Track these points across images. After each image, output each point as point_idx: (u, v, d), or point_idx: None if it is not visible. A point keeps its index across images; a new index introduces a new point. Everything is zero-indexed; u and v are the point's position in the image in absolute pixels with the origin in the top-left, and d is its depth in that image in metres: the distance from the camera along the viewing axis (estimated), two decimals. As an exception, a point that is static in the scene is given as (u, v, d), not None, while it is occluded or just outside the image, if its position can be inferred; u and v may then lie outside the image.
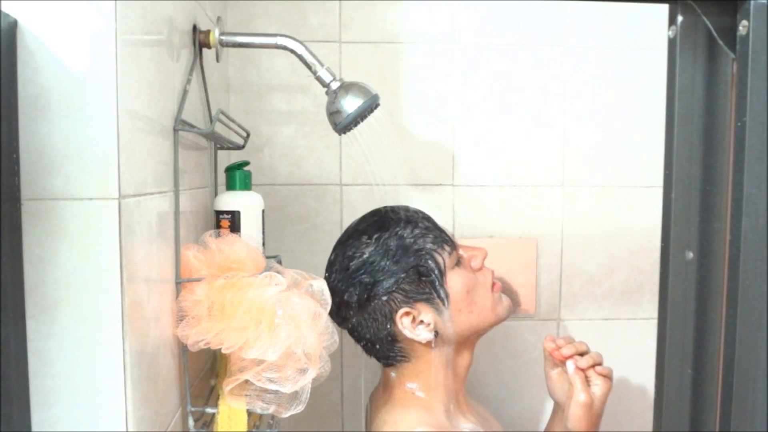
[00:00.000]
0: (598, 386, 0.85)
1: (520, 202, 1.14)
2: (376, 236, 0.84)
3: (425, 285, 0.83)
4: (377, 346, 0.86)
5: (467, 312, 0.85)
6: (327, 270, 0.89)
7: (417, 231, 0.85)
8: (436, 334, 0.83)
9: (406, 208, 0.89)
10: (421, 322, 0.83)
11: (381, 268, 0.83)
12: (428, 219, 0.88)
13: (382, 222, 0.86)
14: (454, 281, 0.84)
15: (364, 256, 0.84)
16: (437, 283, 0.83)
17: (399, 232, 0.84)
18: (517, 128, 1.13)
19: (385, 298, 0.83)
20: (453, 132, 1.12)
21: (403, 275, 0.82)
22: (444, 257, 0.84)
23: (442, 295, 0.83)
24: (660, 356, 0.47)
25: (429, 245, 0.84)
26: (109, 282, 0.50)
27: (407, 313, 0.83)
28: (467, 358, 0.89)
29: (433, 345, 0.84)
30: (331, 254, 0.89)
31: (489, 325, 0.88)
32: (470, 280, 0.86)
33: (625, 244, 1.16)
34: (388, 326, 0.84)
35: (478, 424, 0.89)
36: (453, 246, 0.87)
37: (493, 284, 0.90)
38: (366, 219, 0.89)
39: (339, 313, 0.86)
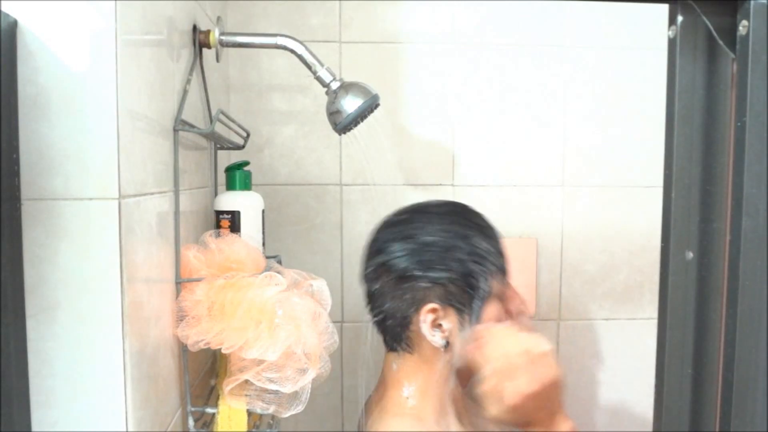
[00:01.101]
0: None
1: (520, 202, 1.14)
2: (454, 228, 0.83)
3: (466, 297, 0.81)
4: (389, 322, 0.84)
5: None
6: (387, 219, 0.86)
7: (488, 246, 0.83)
8: (447, 344, 0.83)
9: (487, 219, 0.88)
10: (440, 326, 0.82)
11: (442, 257, 0.81)
12: (501, 242, 0.87)
13: (464, 218, 0.85)
14: (490, 311, 0.82)
15: (433, 237, 0.82)
16: (478, 302, 0.81)
17: (474, 237, 0.83)
18: (517, 128, 1.13)
19: (426, 284, 0.81)
20: (453, 132, 1.12)
21: (455, 276, 0.81)
22: (496, 284, 0.83)
23: (474, 315, 0.81)
24: (660, 356, 0.47)
25: (492, 266, 0.83)
26: (109, 282, 0.50)
27: (434, 310, 0.81)
28: (466, 377, 0.88)
29: (441, 351, 0.84)
30: (401, 213, 0.86)
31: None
32: (501, 319, 0.84)
33: (625, 244, 1.16)
34: (411, 310, 0.82)
35: (477, 427, 0.88)
36: (507, 278, 0.86)
37: None
38: (448, 205, 0.87)
39: (374, 270, 0.84)
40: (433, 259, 0.82)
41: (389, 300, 0.83)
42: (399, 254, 0.83)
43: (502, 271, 0.85)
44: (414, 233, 0.83)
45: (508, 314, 0.87)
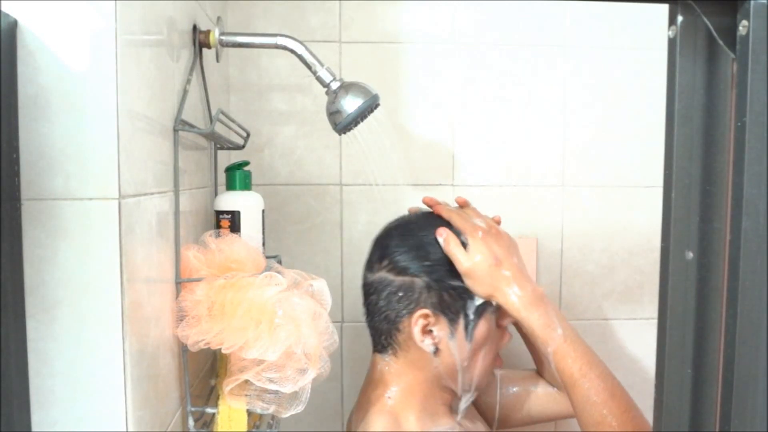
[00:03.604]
0: (475, 241, 0.80)
1: (520, 202, 1.14)
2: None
3: (461, 307, 0.81)
4: (376, 318, 0.84)
5: (467, 357, 0.82)
6: (400, 219, 0.88)
7: None
8: (436, 350, 0.82)
9: None
10: (430, 332, 0.81)
11: (443, 261, 0.81)
12: None
13: None
14: (482, 324, 0.82)
15: (436, 244, 0.82)
16: (473, 314, 0.81)
17: None
18: (517, 128, 1.13)
19: (423, 285, 0.80)
20: (453, 132, 1.12)
21: (452, 283, 0.81)
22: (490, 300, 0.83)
23: (468, 328, 0.81)
24: (660, 356, 0.47)
25: None
26: (109, 282, 0.50)
27: (426, 316, 0.81)
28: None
29: (430, 358, 0.82)
30: (414, 216, 0.88)
31: (462, 384, 0.84)
32: (492, 334, 0.84)
33: (625, 244, 1.16)
34: (404, 311, 0.81)
35: (458, 425, 0.87)
36: None
37: (498, 357, 0.88)
38: None
39: (379, 260, 0.84)
40: (436, 263, 0.81)
41: (383, 293, 0.83)
42: (405, 246, 0.83)
43: None
44: (419, 232, 0.83)
45: (500, 326, 0.87)
